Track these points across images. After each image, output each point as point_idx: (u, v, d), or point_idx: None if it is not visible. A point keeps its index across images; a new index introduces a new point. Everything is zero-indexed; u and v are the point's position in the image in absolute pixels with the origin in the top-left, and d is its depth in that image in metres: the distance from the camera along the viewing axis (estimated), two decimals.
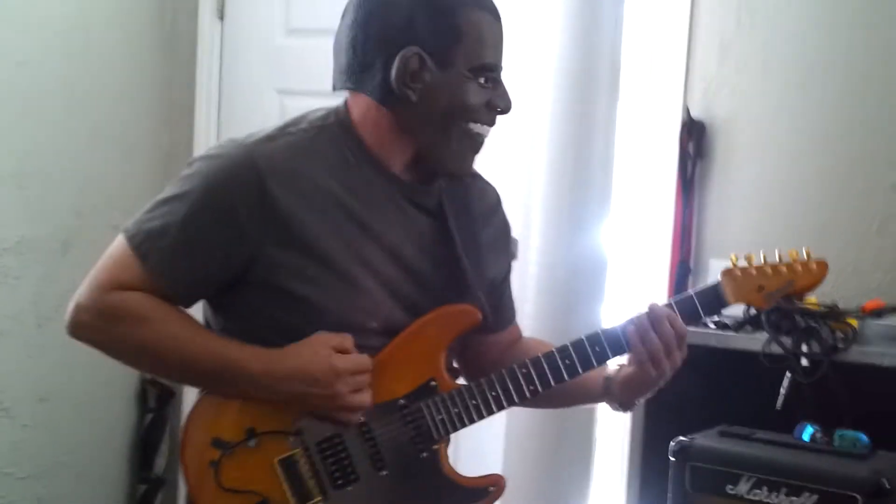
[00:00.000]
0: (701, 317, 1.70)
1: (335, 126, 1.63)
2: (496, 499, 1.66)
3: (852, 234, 2.76)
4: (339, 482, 1.59)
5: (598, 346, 1.64)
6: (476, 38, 1.57)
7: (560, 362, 1.63)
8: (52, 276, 3.17)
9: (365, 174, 1.61)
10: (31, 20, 3.10)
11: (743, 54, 2.86)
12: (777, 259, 1.71)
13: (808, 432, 2.30)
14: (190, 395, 3.46)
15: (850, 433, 2.27)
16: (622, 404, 1.72)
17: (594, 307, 2.65)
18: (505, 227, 1.83)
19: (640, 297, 2.93)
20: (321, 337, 1.55)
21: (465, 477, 1.65)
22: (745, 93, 2.87)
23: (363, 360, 1.57)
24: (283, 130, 1.62)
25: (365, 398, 1.57)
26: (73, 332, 1.61)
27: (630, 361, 1.66)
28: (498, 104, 1.61)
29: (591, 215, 2.66)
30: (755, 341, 2.46)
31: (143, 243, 1.56)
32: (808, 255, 1.72)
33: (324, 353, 1.54)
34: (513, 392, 1.62)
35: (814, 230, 2.80)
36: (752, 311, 2.52)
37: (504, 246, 1.82)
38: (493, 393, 1.62)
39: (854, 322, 2.45)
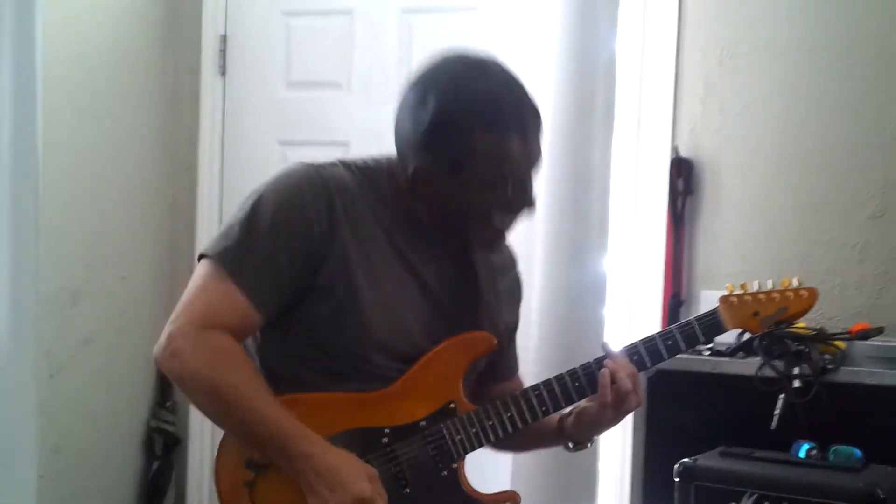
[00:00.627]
0: (701, 341, 1.79)
1: (385, 171, 1.73)
2: None
3: (835, 261, 2.90)
4: None
5: (587, 377, 1.73)
6: (492, 159, 1.62)
7: (570, 384, 1.73)
8: (63, 327, 3.25)
9: (404, 214, 1.72)
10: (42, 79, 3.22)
11: (726, 95, 3.02)
12: (770, 287, 1.82)
13: (803, 449, 2.41)
14: (195, 444, 3.56)
15: (844, 448, 2.38)
16: (577, 443, 1.81)
17: (594, 336, 2.75)
18: (519, 283, 1.93)
19: (636, 329, 3.05)
20: (370, 468, 1.63)
21: (482, 493, 1.74)
22: (730, 131, 3.02)
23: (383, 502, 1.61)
24: (340, 161, 1.73)
25: None
26: (166, 359, 1.63)
27: (592, 401, 1.73)
28: (516, 206, 1.68)
29: (590, 249, 2.77)
30: (749, 366, 2.57)
31: (232, 261, 1.63)
32: (799, 283, 1.83)
33: (363, 476, 1.60)
34: (526, 413, 1.72)
35: (799, 258, 2.94)
36: (745, 337, 2.65)
37: (517, 300, 1.92)
38: (508, 414, 1.72)
39: (841, 344, 2.57)
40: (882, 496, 2.18)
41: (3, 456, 1.72)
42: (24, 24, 1.62)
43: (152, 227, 3.55)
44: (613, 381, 1.71)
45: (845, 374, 2.50)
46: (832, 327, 2.71)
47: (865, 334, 2.61)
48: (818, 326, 2.67)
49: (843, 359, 2.53)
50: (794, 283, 1.83)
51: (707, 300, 2.98)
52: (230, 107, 3.59)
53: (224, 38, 3.57)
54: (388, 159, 1.75)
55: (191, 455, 3.59)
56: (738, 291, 1.81)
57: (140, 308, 3.40)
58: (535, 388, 1.75)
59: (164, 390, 3.58)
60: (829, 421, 2.45)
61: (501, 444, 1.86)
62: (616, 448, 2.93)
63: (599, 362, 1.74)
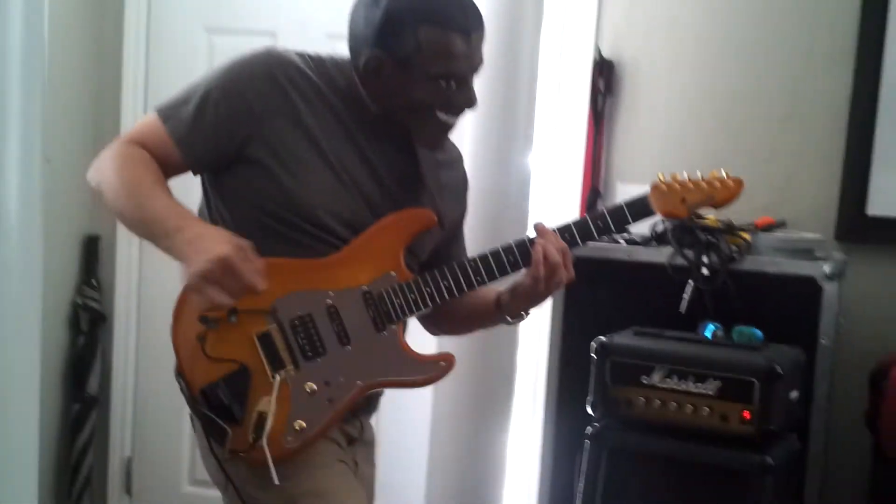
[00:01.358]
0: (630, 223, 1.91)
1: (338, 65, 1.89)
2: (446, 373, 1.88)
3: (745, 161, 3.05)
4: (309, 354, 1.82)
5: (520, 252, 1.87)
6: (436, 51, 1.78)
7: (504, 258, 1.86)
8: None
9: (356, 102, 1.87)
10: None
11: (649, 3, 3.13)
12: (699, 176, 1.94)
13: (709, 330, 2.59)
14: (121, 320, 3.61)
15: (746, 329, 2.57)
16: (512, 316, 1.95)
17: (519, 227, 2.87)
18: (464, 179, 2.08)
19: (557, 219, 3.19)
20: (242, 240, 1.71)
21: (419, 353, 1.88)
22: (651, 35, 3.14)
23: (246, 280, 1.68)
24: (299, 53, 1.89)
25: (217, 299, 1.68)
26: (91, 169, 1.85)
27: (526, 276, 1.86)
28: (458, 103, 1.84)
29: (517, 145, 2.87)
30: (661, 254, 2.71)
31: (168, 111, 1.84)
32: (726, 174, 1.96)
33: (227, 241, 1.69)
34: (462, 281, 1.86)
35: (710, 158, 3.08)
36: (659, 228, 2.80)
37: (462, 195, 2.07)
38: (445, 283, 1.86)
39: (747, 236, 2.73)
40: (780, 371, 2.37)
41: None
42: None
43: (78, 113, 3.53)
44: (545, 255, 1.83)
45: (750, 263, 2.66)
46: (739, 221, 2.89)
47: (769, 227, 2.79)
48: (727, 220, 2.85)
49: (748, 249, 2.69)
50: (722, 174, 1.95)
51: (623, 192, 3.15)
52: None
53: None
54: (341, 58, 1.90)
55: (116, 331, 3.64)
56: (667, 180, 1.92)
57: (64, 190, 3.40)
58: (471, 259, 1.87)
59: (90, 268, 3.60)
60: (734, 306, 2.62)
61: (441, 322, 2.03)
62: (534, 330, 3.08)
63: (532, 239, 1.86)
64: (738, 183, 1.95)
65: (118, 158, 1.81)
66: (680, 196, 1.92)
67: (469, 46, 1.81)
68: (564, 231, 1.89)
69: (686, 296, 2.68)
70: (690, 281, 2.67)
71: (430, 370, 1.88)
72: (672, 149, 3.14)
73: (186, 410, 1.90)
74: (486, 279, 1.87)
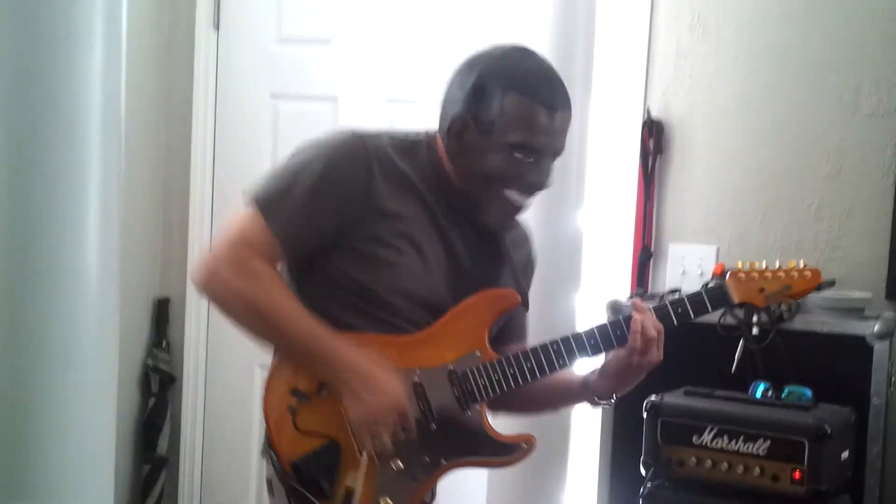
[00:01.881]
0: (708, 310, 1.95)
1: (424, 143, 1.95)
2: (527, 455, 1.91)
3: (793, 219, 3.11)
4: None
5: (619, 330, 1.90)
6: (518, 120, 1.83)
7: (586, 341, 1.90)
8: None
9: (440, 182, 1.93)
10: None
11: (696, 60, 3.21)
12: (776, 266, 2.00)
13: (760, 389, 2.64)
14: (189, 382, 3.74)
15: (796, 388, 2.61)
16: (601, 396, 1.96)
17: (571, 286, 2.95)
18: (532, 258, 2.13)
19: (609, 280, 3.26)
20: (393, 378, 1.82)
21: (501, 434, 1.91)
22: (699, 95, 3.21)
23: (412, 430, 1.82)
24: (382, 132, 1.94)
25: (386, 442, 1.80)
26: (205, 282, 1.84)
27: (619, 352, 1.90)
28: (530, 179, 1.88)
29: (568, 203, 2.95)
30: (712, 314, 2.76)
31: (268, 206, 1.84)
32: (804, 265, 2.01)
33: (401, 384, 1.81)
34: (545, 364, 1.89)
35: (760, 215, 3.15)
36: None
37: (530, 272, 2.13)
38: (528, 364, 1.89)
39: None
40: (829, 430, 2.41)
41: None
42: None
43: (147, 176, 3.68)
44: (643, 328, 1.87)
45: (799, 323, 2.70)
46: None
47: (819, 286, 2.83)
48: None
49: (797, 308, 2.73)
50: (800, 264, 2.01)
51: (674, 252, 3.22)
52: (223, 60, 3.71)
53: None
54: (427, 133, 1.95)
55: (185, 393, 3.76)
56: (746, 269, 1.98)
57: (136, 248, 3.54)
58: (553, 342, 1.90)
59: (160, 330, 3.74)
60: (784, 365, 2.67)
61: (513, 403, 2.04)
62: None
63: (618, 320, 1.91)
64: (816, 274, 2.01)
65: (244, 278, 1.81)
66: (758, 286, 1.98)
67: (551, 123, 1.86)
68: (659, 310, 1.94)
69: (737, 355, 2.73)
70: (741, 340, 2.73)
71: (512, 451, 1.92)
72: (722, 207, 3.19)
73: (253, 471, 1.96)
74: (567, 362, 1.91)
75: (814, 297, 2.78)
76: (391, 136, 1.94)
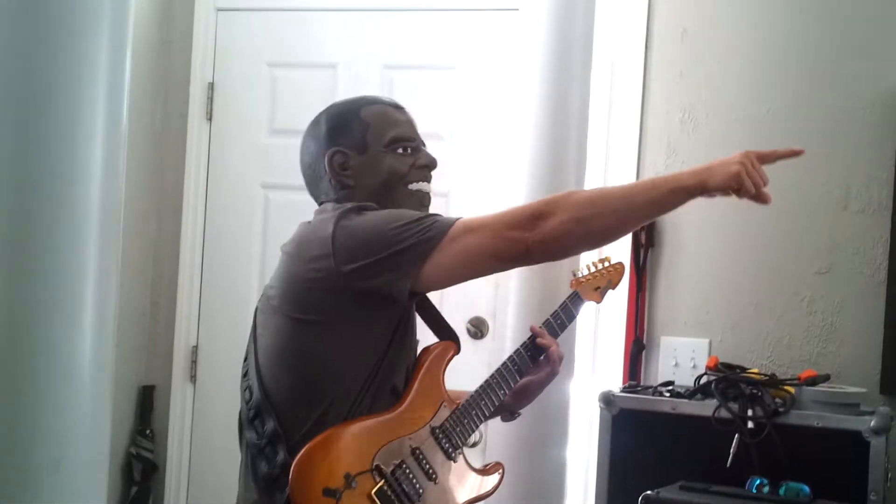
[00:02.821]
0: (574, 315, 2.26)
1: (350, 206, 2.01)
2: (502, 477, 2.14)
3: (785, 313, 3.11)
4: (414, 498, 1.90)
5: (531, 353, 2.11)
6: (381, 122, 2.02)
7: (512, 368, 2.09)
8: None
9: None
10: None
11: (687, 155, 3.24)
12: (595, 268, 2.36)
13: (756, 485, 2.60)
14: (172, 471, 3.67)
15: (794, 485, 2.57)
16: (512, 412, 2.19)
17: (565, 374, 2.89)
18: None
19: (601, 371, 3.24)
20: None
21: (480, 468, 2.10)
22: None
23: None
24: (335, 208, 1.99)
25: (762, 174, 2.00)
26: (537, 226, 1.81)
27: (539, 373, 2.12)
28: (421, 163, 2.03)
29: (562, 295, 2.94)
30: (706, 407, 2.74)
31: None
32: (608, 260, 2.41)
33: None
34: (493, 398, 2.06)
35: (752, 308, 3.15)
36: (703, 381, 2.85)
37: None
38: (483, 401, 2.05)
39: (791, 389, 2.76)
40: None
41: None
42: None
43: (136, 263, 3.67)
44: (557, 353, 2.14)
45: (795, 417, 2.68)
46: (782, 374, 2.92)
47: (813, 380, 2.81)
48: (769, 373, 2.90)
49: (792, 403, 2.72)
50: (608, 262, 2.40)
51: (666, 345, 3.21)
52: (215, 151, 3.74)
53: (211, 86, 3.73)
54: (334, 200, 2.02)
55: (168, 482, 3.70)
56: (581, 276, 2.33)
57: (122, 339, 3.49)
58: (493, 377, 2.08)
59: (144, 418, 3.69)
60: (780, 459, 2.64)
61: None
62: (579, 484, 3.10)
63: (533, 340, 2.12)
64: (622, 265, 2.44)
65: (556, 203, 1.85)
66: (593, 285, 2.33)
67: (405, 116, 2.06)
68: (547, 327, 2.18)
69: (732, 449, 2.70)
70: (736, 434, 2.70)
71: (494, 480, 2.12)
72: (714, 301, 3.20)
73: None
74: (507, 391, 2.09)
75: (808, 392, 2.76)
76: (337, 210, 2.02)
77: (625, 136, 3.29)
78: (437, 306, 2.13)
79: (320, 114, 2.10)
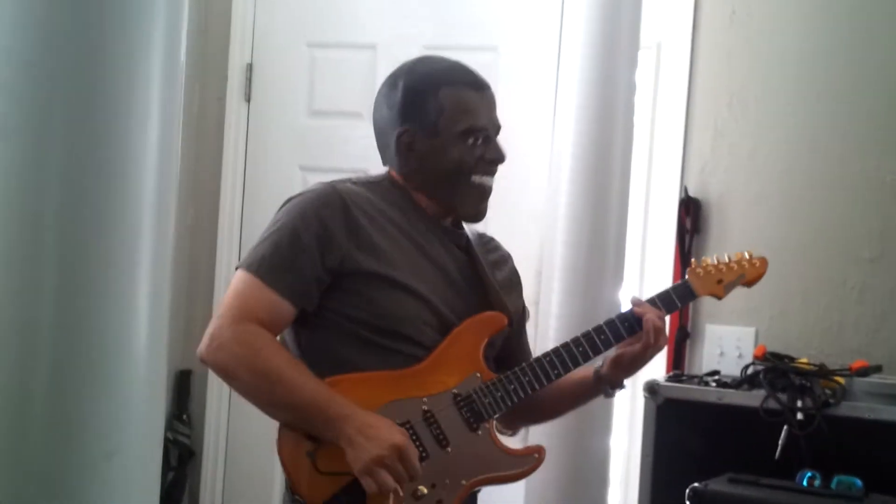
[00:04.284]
0: (678, 307, 2.08)
1: (386, 182, 2.02)
2: (539, 465, 1.98)
3: (834, 301, 3.05)
4: None
5: (603, 335, 1.99)
6: (457, 109, 1.95)
7: (574, 349, 1.98)
8: None
9: (415, 216, 2.00)
10: None
11: (734, 139, 3.17)
12: (728, 259, 2.11)
13: (807, 478, 2.55)
14: (209, 456, 3.66)
15: (845, 478, 2.52)
16: (614, 386, 2.04)
17: None
18: (516, 274, 2.18)
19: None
20: (401, 428, 1.86)
21: (512, 448, 1.98)
22: (737, 174, 3.17)
23: (416, 467, 1.84)
24: (348, 178, 2.01)
25: (392, 485, 1.81)
26: (212, 352, 1.87)
27: (634, 341, 1.98)
28: (489, 157, 1.98)
29: (606, 280, 2.88)
30: (754, 398, 2.70)
31: (262, 269, 1.88)
32: (749, 255, 2.13)
33: (397, 429, 1.84)
34: (541, 375, 1.96)
35: (799, 297, 3.08)
36: (750, 370, 2.80)
37: (516, 288, 2.17)
38: (527, 378, 1.96)
39: (841, 380, 2.71)
40: None
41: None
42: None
43: (175, 249, 3.64)
44: (654, 323, 1.97)
45: (846, 409, 2.63)
46: (831, 364, 2.85)
47: (864, 371, 2.76)
48: (819, 363, 2.83)
49: (843, 394, 2.66)
50: (746, 255, 2.13)
51: (712, 334, 3.15)
52: (253, 132, 3.69)
53: (250, 67, 3.69)
54: (384, 174, 2.03)
55: (204, 467, 3.68)
56: (702, 265, 2.10)
57: None
58: (545, 354, 1.99)
59: (181, 403, 3.67)
60: (831, 452, 2.58)
61: (533, 412, 2.15)
62: (622, 474, 3.05)
63: (628, 313, 2.00)
64: (764, 262, 2.14)
65: (245, 347, 1.86)
66: (716, 278, 2.09)
67: (484, 100, 1.98)
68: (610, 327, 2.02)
69: (781, 441, 2.64)
70: (785, 426, 2.64)
71: (525, 463, 1.98)
72: (761, 288, 3.08)
73: None
74: (561, 371, 1.98)
75: (860, 383, 2.71)
76: (358, 179, 2.02)
77: (671, 119, 3.23)
78: None
79: (400, 73, 2.01)
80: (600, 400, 2.82)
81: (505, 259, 2.17)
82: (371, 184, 2.00)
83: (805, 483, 2.54)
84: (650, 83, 3.23)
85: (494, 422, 1.97)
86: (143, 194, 1.73)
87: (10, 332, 1.62)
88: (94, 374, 1.64)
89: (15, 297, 1.62)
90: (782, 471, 2.60)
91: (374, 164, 3.49)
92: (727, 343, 3.13)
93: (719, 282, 2.09)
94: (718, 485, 2.53)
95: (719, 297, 2.11)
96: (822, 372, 2.74)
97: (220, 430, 3.68)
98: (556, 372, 1.97)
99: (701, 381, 2.87)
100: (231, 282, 1.94)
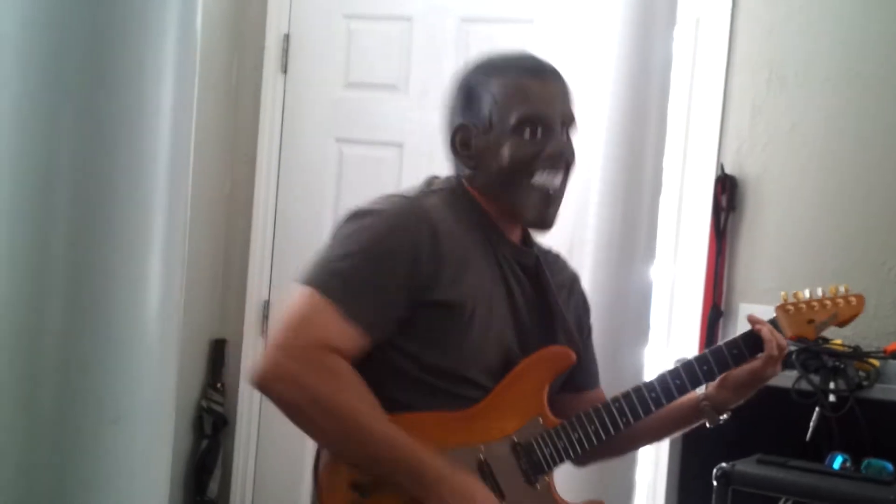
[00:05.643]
0: (763, 349, 1.85)
1: (460, 191, 1.81)
2: None
3: (871, 282, 3.00)
4: None
5: (678, 380, 1.81)
6: (509, 98, 1.74)
7: (646, 394, 1.81)
8: None
9: (487, 232, 1.80)
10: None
11: (772, 116, 3.13)
12: (820, 294, 1.93)
13: (838, 461, 2.52)
14: (243, 425, 3.69)
15: (876, 462, 2.50)
16: (719, 410, 1.87)
17: (640, 340, 2.85)
18: (584, 299, 2.00)
19: (676, 338, 3.17)
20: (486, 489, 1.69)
21: (570, 502, 1.79)
22: (774, 151, 3.13)
23: None
24: (425, 191, 1.81)
25: None
26: (275, 382, 1.62)
27: (757, 362, 1.83)
28: (549, 151, 1.74)
29: (639, 256, 2.85)
30: (786, 378, 2.65)
31: (336, 290, 1.64)
32: (846, 290, 1.95)
33: (490, 497, 1.67)
34: (609, 424, 1.79)
35: (835, 277, 3.01)
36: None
37: (585, 313, 1.99)
38: (593, 427, 1.78)
39: (876, 362, 2.68)
40: None
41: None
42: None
43: (209, 216, 3.67)
44: (776, 339, 1.83)
45: (879, 392, 2.60)
46: (866, 346, 2.82)
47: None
48: (854, 344, 2.79)
49: (877, 376, 2.64)
50: (842, 290, 1.95)
51: (745, 312, 3.10)
52: (290, 104, 3.69)
53: (287, 38, 3.69)
54: (450, 178, 1.85)
55: (238, 436, 3.72)
56: (792, 300, 1.91)
57: (195, 292, 3.50)
58: (616, 399, 1.81)
59: (216, 371, 3.71)
60: (862, 435, 2.56)
61: (611, 449, 1.92)
62: (651, 454, 3.04)
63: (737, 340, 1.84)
64: (860, 300, 1.95)
65: (318, 383, 1.62)
66: (807, 317, 1.91)
67: (545, 88, 1.76)
68: (701, 363, 1.85)
69: (812, 423, 2.62)
70: (816, 408, 2.62)
71: None
72: (796, 268, 3.10)
73: None
74: (631, 420, 1.80)
75: (894, 366, 2.67)
76: (434, 194, 1.80)
77: (708, 96, 3.18)
78: None
79: (461, 71, 1.83)
80: (631, 379, 2.83)
81: (573, 280, 1.98)
82: (448, 196, 1.79)
83: (835, 466, 2.51)
84: (688, 59, 3.19)
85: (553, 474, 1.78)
86: (156, 158, 1.72)
87: (20, 299, 1.63)
88: (100, 339, 1.65)
89: (25, 268, 1.63)
90: (812, 453, 2.59)
91: (409, 137, 3.55)
92: None
93: (810, 321, 1.91)
94: (746, 465, 2.52)
95: (810, 340, 1.96)
96: (857, 354, 2.70)
97: (254, 399, 3.70)
98: (624, 420, 1.79)
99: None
100: (295, 298, 1.67)
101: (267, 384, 1.63)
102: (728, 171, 3.15)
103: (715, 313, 3.13)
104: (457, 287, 1.71)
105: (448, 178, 1.86)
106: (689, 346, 3.12)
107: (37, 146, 1.66)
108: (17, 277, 1.67)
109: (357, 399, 1.64)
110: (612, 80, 2.91)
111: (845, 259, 3.04)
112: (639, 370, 2.87)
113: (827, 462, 2.54)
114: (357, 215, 1.74)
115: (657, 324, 3.08)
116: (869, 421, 2.57)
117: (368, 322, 1.66)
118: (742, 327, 3.04)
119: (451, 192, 1.81)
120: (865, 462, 2.51)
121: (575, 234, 2.99)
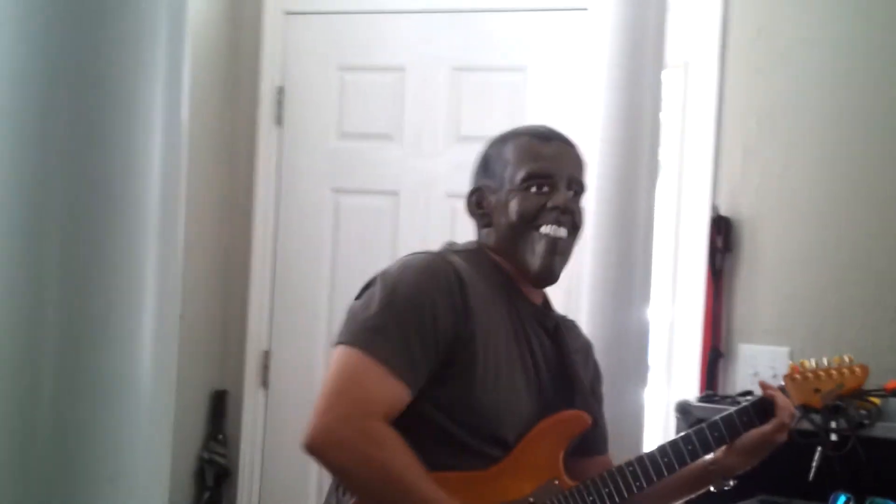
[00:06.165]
0: (773, 414, 1.95)
1: (482, 253, 1.90)
2: None
3: (868, 321, 3.01)
4: None
5: (690, 445, 1.87)
6: (519, 156, 1.87)
7: (659, 459, 1.86)
8: None
9: (510, 292, 1.87)
10: None
11: (765, 157, 3.15)
12: (826, 364, 2.02)
13: (841, 500, 2.51)
14: (245, 476, 3.68)
15: (880, 500, 2.49)
16: (727, 476, 1.96)
17: (638, 382, 2.85)
18: (597, 367, 2.08)
19: (677, 379, 3.17)
20: None
21: None
22: (769, 192, 3.15)
23: None
24: (450, 250, 1.89)
25: None
26: (328, 448, 1.68)
27: (767, 427, 1.92)
28: (553, 204, 1.84)
29: (634, 298, 2.87)
30: None
31: (379, 347, 1.70)
32: (850, 360, 2.04)
33: None
34: (622, 487, 1.83)
35: (834, 316, 3.05)
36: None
37: (597, 381, 2.07)
38: (607, 489, 1.83)
39: (877, 401, 2.67)
40: None
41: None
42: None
43: (207, 267, 3.68)
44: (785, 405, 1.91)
45: (881, 430, 2.60)
46: (866, 384, 2.81)
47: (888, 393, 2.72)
48: None
49: (878, 414, 2.63)
50: (846, 360, 2.05)
51: (745, 353, 3.12)
52: (285, 155, 3.71)
53: (281, 90, 3.72)
54: (476, 244, 1.93)
55: (240, 487, 3.70)
56: (800, 369, 2.01)
57: (195, 346, 3.52)
58: (629, 463, 1.85)
59: (217, 423, 3.70)
60: (865, 474, 2.55)
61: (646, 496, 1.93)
62: None
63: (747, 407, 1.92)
64: (864, 370, 2.05)
65: (370, 450, 1.68)
66: (813, 386, 2.02)
67: (550, 149, 1.88)
68: (714, 429, 1.92)
69: (814, 463, 2.61)
70: (818, 447, 2.61)
71: None
72: (794, 308, 3.10)
73: None
74: (644, 484, 1.85)
75: (895, 403, 2.66)
76: (459, 253, 1.88)
77: (700, 138, 3.21)
78: None
79: (487, 142, 1.97)
80: (631, 420, 2.83)
81: (588, 347, 2.07)
82: (471, 255, 1.87)
83: None
84: (679, 102, 3.23)
85: None
86: (147, 207, 1.71)
87: (14, 354, 1.63)
88: (94, 393, 1.64)
89: (18, 320, 1.63)
90: (815, 492, 2.57)
91: (404, 185, 3.57)
92: (761, 363, 3.10)
93: (816, 391, 2.01)
94: None
95: (815, 408, 2.05)
96: (857, 392, 2.69)
97: (256, 450, 3.70)
98: (638, 484, 1.84)
99: (733, 401, 2.84)
100: (338, 359, 1.73)
101: (319, 450, 1.69)
102: (723, 212, 3.17)
103: (714, 354, 3.13)
104: (483, 344, 1.76)
105: (468, 242, 1.94)
106: (689, 387, 3.12)
107: (26, 207, 1.67)
108: (9, 336, 1.67)
109: (404, 465, 1.69)
110: (602, 125, 2.93)
111: (842, 298, 3.05)
112: (639, 411, 2.87)
113: (830, 502, 2.53)
114: (385, 273, 1.79)
115: (657, 365, 3.08)
116: (871, 459, 2.55)
117: (412, 377, 1.71)
118: (742, 368, 3.10)
119: (473, 253, 1.89)
120: (869, 500, 2.50)
121: (571, 276, 3.00)
